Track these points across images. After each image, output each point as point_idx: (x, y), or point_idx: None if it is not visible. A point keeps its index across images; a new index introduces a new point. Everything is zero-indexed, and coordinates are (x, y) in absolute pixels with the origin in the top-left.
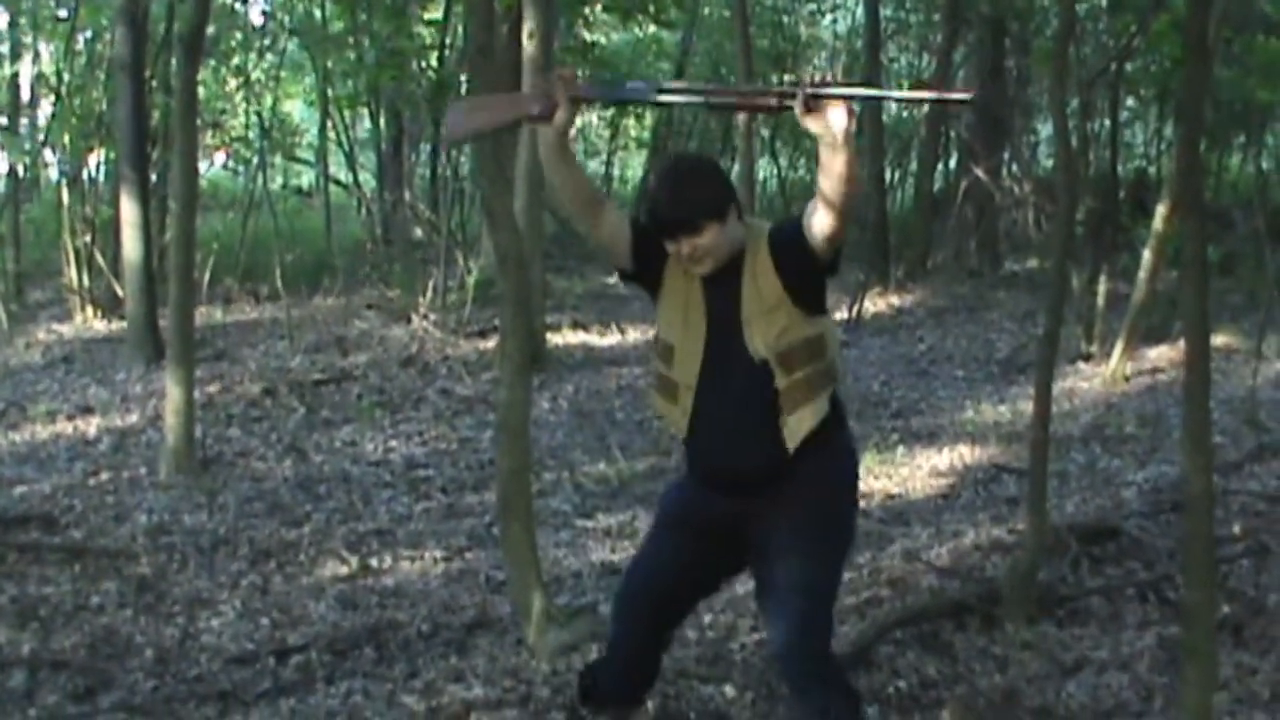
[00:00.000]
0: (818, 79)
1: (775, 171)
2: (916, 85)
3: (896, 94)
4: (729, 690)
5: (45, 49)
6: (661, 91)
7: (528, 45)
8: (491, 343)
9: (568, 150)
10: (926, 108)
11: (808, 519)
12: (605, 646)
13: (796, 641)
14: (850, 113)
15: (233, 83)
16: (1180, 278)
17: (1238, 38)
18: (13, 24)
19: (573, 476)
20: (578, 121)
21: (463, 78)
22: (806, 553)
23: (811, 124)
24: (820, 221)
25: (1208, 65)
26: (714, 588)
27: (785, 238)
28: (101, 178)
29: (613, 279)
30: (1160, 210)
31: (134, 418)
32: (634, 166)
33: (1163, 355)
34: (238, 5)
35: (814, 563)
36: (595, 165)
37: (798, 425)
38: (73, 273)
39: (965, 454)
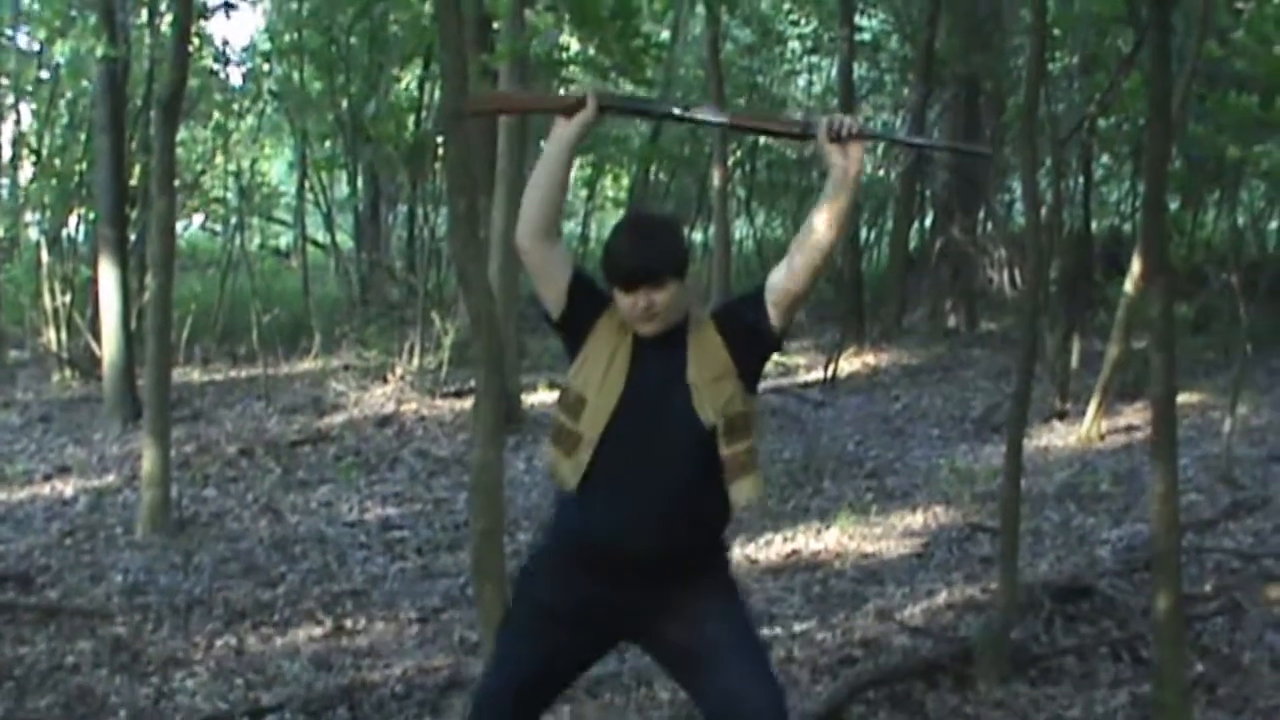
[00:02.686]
0: (840, 118)
1: (751, 232)
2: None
3: (921, 140)
4: None
5: (26, 110)
6: (686, 108)
7: None
8: (468, 403)
9: (571, 156)
10: (902, 166)
11: (725, 595)
12: None
13: (778, 702)
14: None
15: (212, 143)
16: (1149, 338)
17: (1210, 95)
18: None
19: None
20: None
21: (439, 139)
22: (742, 619)
23: (834, 153)
24: (794, 273)
25: (1173, 123)
26: (576, 678)
27: (735, 310)
28: (81, 238)
29: None
30: (1133, 268)
31: (111, 477)
32: (609, 226)
33: (1137, 413)
34: (217, 67)
35: (762, 661)
36: (572, 226)
37: (738, 494)
38: (51, 333)
39: (939, 513)
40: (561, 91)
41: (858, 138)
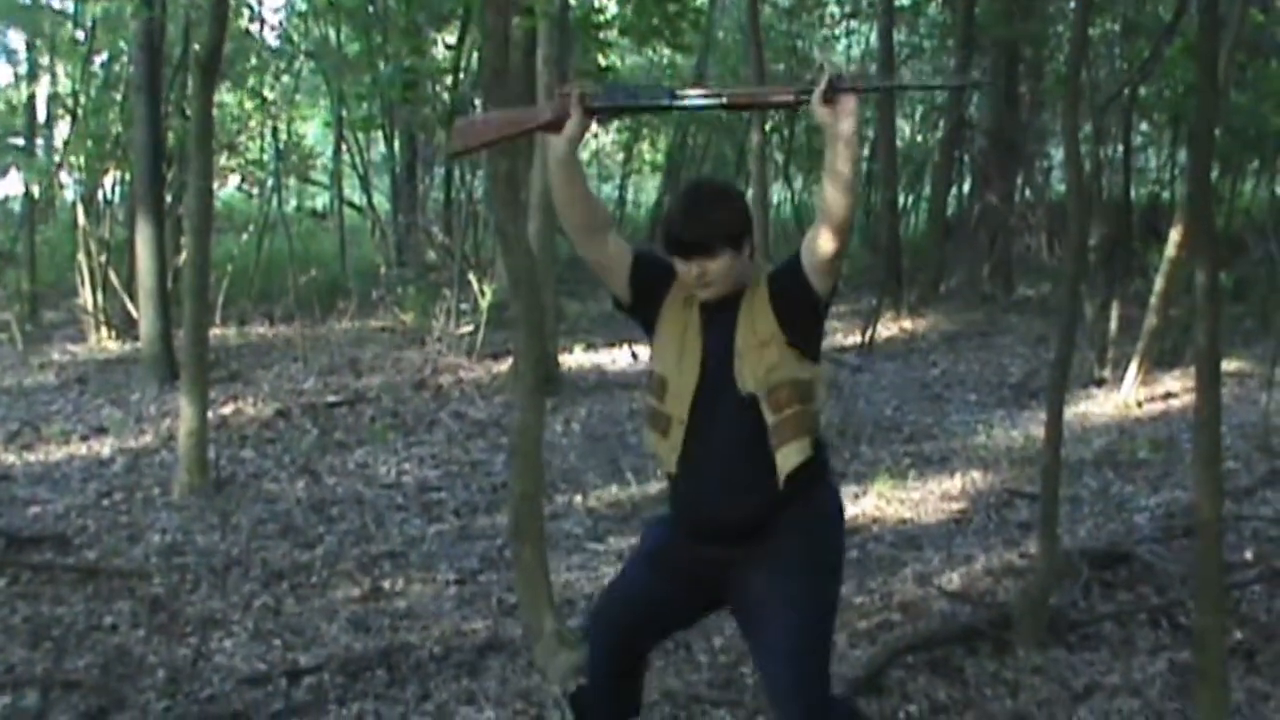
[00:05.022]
0: (831, 71)
1: (789, 196)
2: (931, 110)
3: (914, 83)
4: (740, 715)
5: (62, 70)
6: (676, 96)
7: (542, 69)
8: (504, 366)
9: (576, 165)
10: (941, 132)
11: (795, 566)
12: (586, 673)
13: (792, 690)
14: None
15: (249, 105)
16: (1193, 304)
17: (1251, 64)
18: (30, 46)
19: (585, 500)
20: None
21: (477, 101)
22: (798, 597)
23: (825, 115)
24: (820, 240)
25: (1219, 92)
26: (684, 626)
27: (781, 273)
28: (117, 199)
29: None
30: (1173, 236)
31: (148, 438)
32: (648, 190)
33: (1175, 380)
34: (254, 28)
35: (806, 607)
36: (609, 189)
37: (784, 461)
38: (87, 294)
39: (977, 479)
40: (569, 99)
41: (842, 90)
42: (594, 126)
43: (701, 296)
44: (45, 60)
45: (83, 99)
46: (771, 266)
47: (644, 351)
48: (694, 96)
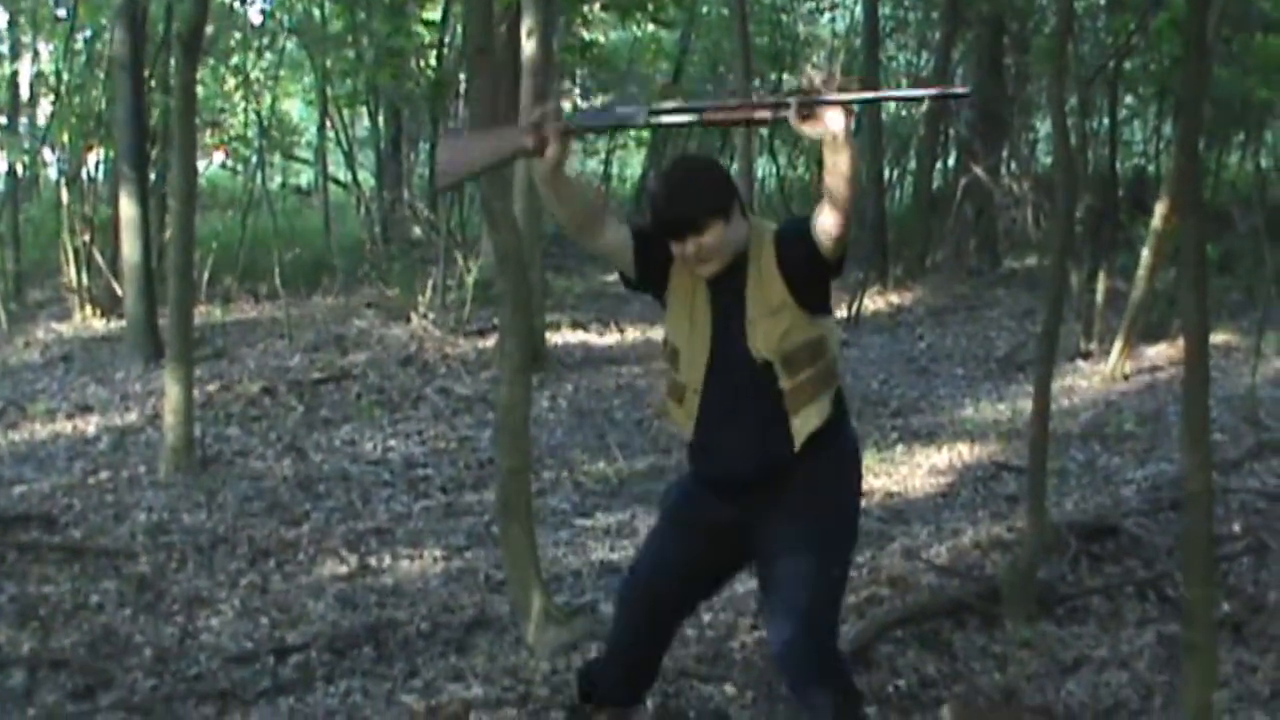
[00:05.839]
0: (807, 84)
1: (774, 170)
2: (916, 83)
3: (892, 93)
4: (729, 689)
5: (44, 48)
6: (654, 113)
7: (526, 44)
8: (490, 342)
9: (562, 181)
10: (925, 105)
11: (812, 518)
12: (605, 645)
13: (798, 640)
14: (849, 112)
15: (231, 82)
16: (1179, 276)
17: (1236, 36)
18: (12, 23)
19: (572, 475)
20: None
21: (461, 76)
22: (810, 551)
23: (809, 130)
24: (827, 220)
25: (1206, 63)
26: (716, 587)
27: (792, 235)
28: (100, 177)
29: (612, 278)
30: (1159, 208)
31: (133, 416)
32: (633, 165)
33: (1162, 353)
34: (236, 4)
35: (817, 561)
36: (594, 164)
37: (803, 425)
38: (72, 272)
39: (964, 452)
40: (563, 96)
41: (823, 104)
42: (574, 145)
43: (701, 273)
44: (27, 38)
45: (65, 76)
46: (774, 225)
47: (630, 329)
48: (670, 113)
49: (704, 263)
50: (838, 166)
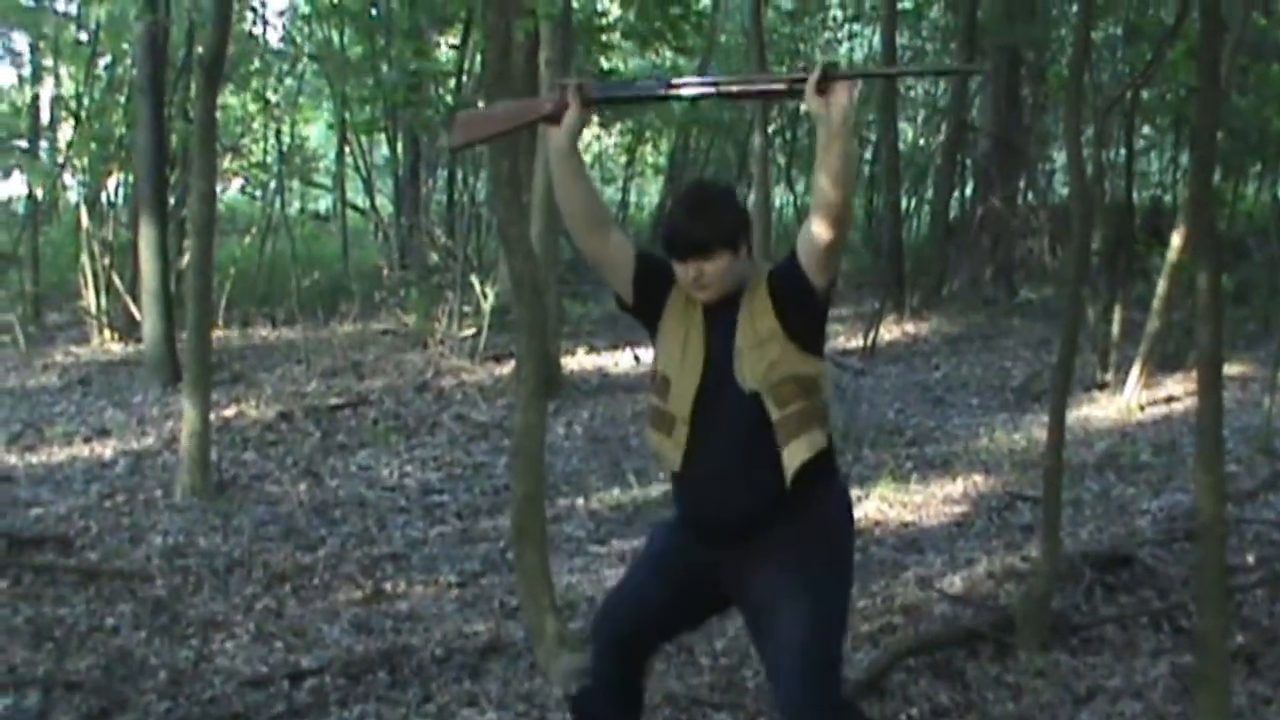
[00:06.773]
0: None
1: (792, 199)
2: (934, 114)
3: (909, 68)
4: (741, 718)
5: (66, 73)
6: (671, 86)
7: (545, 72)
8: (507, 368)
9: (576, 156)
10: (943, 136)
11: (803, 564)
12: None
13: (804, 697)
14: (850, 97)
15: (252, 107)
16: (1195, 307)
17: (1253, 67)
18: (34, 48)
19: (587, 502)
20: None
21: (480, 104)
22: (804, 601)
23: (818, 105)
24: (814, 231)
25: (1220, 93)
26: (691, 628)
27: (780, 269)
28: (120, 201)
29: None
30: (1175, 239)
31: (150, 440)
32: (650, 193)
33: (1178, 384)
34: (257, 30)
35: (813, 608)
36: (612, 191)
37: (792, 456)
38: (90, 295)
39: (979, 482)
40: (567, 92)
41: (836, 78)
42: (594, 119)
43: (699, 299)
44: (49, 62)
45: (86, 101)
46: (771, 265)
47: (646, 353)
48: (688, 85)
49: (703, 289)
50: (830, 155)
